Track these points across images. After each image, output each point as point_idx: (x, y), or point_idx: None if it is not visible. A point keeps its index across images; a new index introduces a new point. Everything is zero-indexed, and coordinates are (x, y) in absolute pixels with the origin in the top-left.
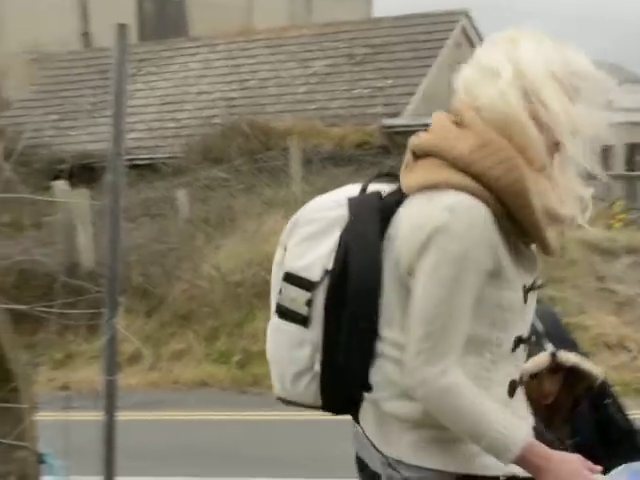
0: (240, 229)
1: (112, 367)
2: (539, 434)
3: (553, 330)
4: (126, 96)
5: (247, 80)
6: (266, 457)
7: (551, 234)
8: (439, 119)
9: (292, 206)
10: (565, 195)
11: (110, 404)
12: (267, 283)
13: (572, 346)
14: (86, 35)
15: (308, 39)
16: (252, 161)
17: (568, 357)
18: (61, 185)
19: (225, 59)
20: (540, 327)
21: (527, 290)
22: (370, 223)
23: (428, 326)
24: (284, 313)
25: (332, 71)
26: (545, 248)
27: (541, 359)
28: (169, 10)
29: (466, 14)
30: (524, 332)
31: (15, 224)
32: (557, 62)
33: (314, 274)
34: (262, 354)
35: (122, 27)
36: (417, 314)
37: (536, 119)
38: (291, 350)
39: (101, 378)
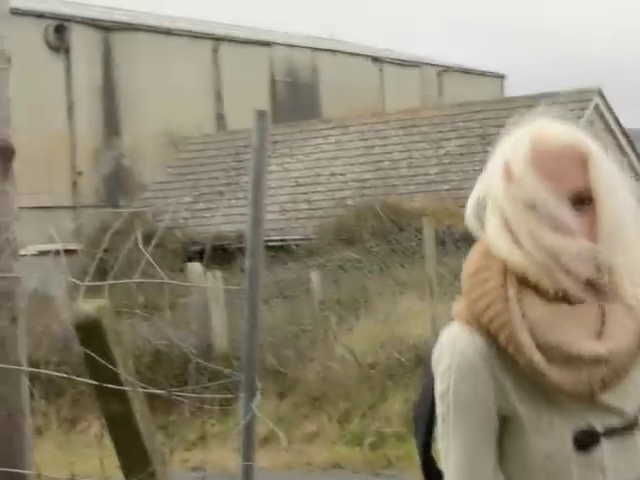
0: (373, 310)
1: (249, 451)
2: None
3: None
4: (265, 182)
5: (380, 161)
6: None
7: (562, 374)
8: None
9: (426, 288)
10: (609, 324)
11: None
12: (400, 365)
13: None
14: (220, 117)
15: (440, 119)
16: (385, 242)
17: None
18: (195, 267)
19: (358, 140)
20: None
21: (591, 435)
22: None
23: (441, 463)
24: None
25: (464, 151)
26: (553, 390)
27: None
28: (302, 92)
29: (599, 92)
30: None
31: (149, 305)
32: (516, 157)
33: None
34: (395, 436)
35: (261, 114)
36: None
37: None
38: None
39: (238, 462)
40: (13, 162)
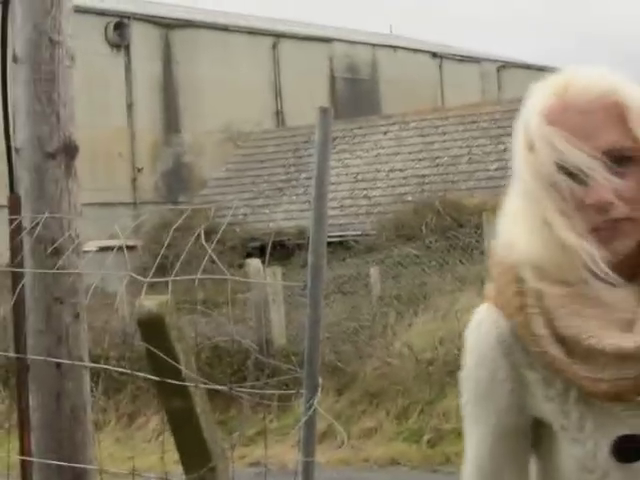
0: (432, 306)
1: (310, 448)
2: None
3: None
4: (329, 178)
5: (439, 157)
6: None
7: (583, 371)
8: None
9: (486, 284)
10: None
11: None
12: (459, 361)
13: None
14: (279, 114)
15: (500, 115)
16: (444, 238)
17: None
18: (254, 263)
19: (417, 136)
20: None
21: (633, 444)
22: None
23: None
24: None
25: None
26: (582, 390)
27: None
28: (361, 88)
29: None
30: None
31: (208, 301)
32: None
33: None
34: (453, 432)
35: (324, 110)
36: None
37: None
38: None
39: (297, 457)
40: (76, 159)
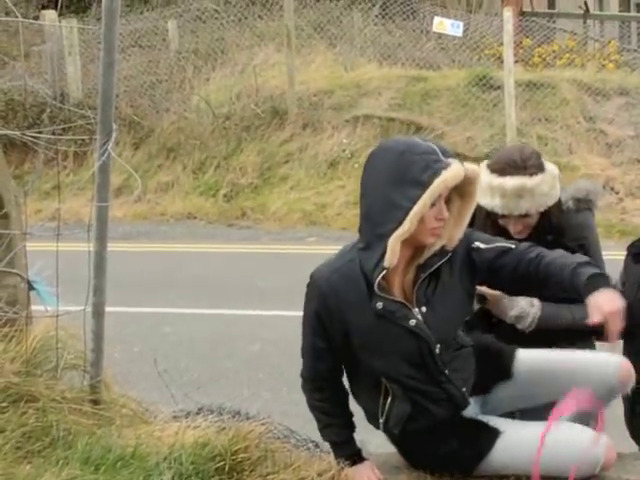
0: (230, 62)
1: (104, 195)
2: None
3: None
4: None
5: None
6: (250, 288)
7: None
8: None
9: (284, 39)
10: None
11: (101, 231)
12: (256, 116)
13: None
14: None
15: None
16: None
17: None
18: (50, 14)
19: None
20: None
21: None
22: None
23: None
24: None
25: None
26: None
27: None
28: None
29: None
30: None
31: (3, 54)
32: None
33: None
34: (250, 187)
35: None
36: None
37: None
38: None
39: (92, 206)
40: None
